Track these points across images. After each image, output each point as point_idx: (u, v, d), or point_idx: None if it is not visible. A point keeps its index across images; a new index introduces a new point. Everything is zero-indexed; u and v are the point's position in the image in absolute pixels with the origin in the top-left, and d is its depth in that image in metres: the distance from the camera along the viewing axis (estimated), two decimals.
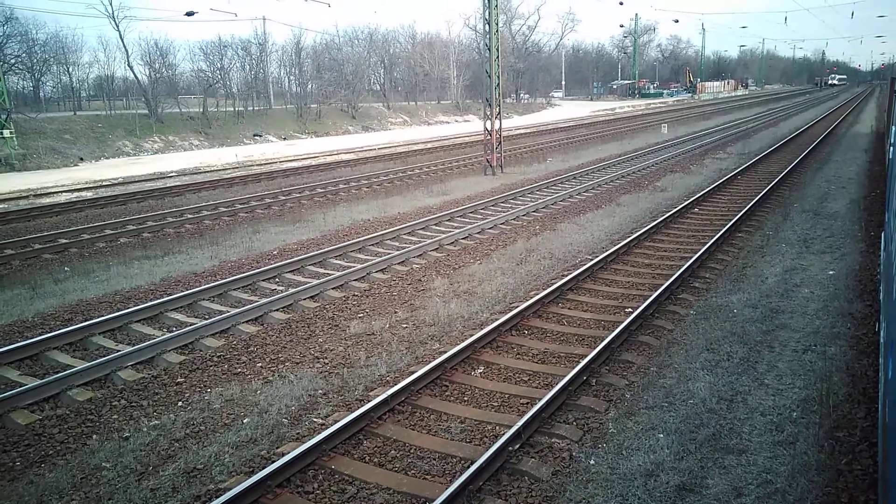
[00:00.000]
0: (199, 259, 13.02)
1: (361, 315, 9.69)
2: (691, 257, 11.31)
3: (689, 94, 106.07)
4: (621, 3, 62.17)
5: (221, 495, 5.21)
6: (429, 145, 37.24)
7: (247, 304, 9.94)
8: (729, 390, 6.91)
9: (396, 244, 13.76)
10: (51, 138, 34.72)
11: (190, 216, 17.37)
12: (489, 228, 15.02)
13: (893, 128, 10.52)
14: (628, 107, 79.12)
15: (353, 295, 10.60)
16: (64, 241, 14.66)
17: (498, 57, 23.59)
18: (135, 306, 9.80)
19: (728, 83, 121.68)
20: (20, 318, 9.82)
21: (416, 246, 13.09)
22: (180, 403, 7.16)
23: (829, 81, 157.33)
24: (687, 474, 5.50)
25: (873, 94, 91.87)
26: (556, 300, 9.84)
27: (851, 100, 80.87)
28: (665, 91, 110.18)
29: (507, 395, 7.06)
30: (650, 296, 9.38)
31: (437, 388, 7.24)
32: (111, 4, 44.21)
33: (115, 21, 43.89)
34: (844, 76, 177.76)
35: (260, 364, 8.11)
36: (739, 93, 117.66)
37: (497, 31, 23.53)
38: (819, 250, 12.33)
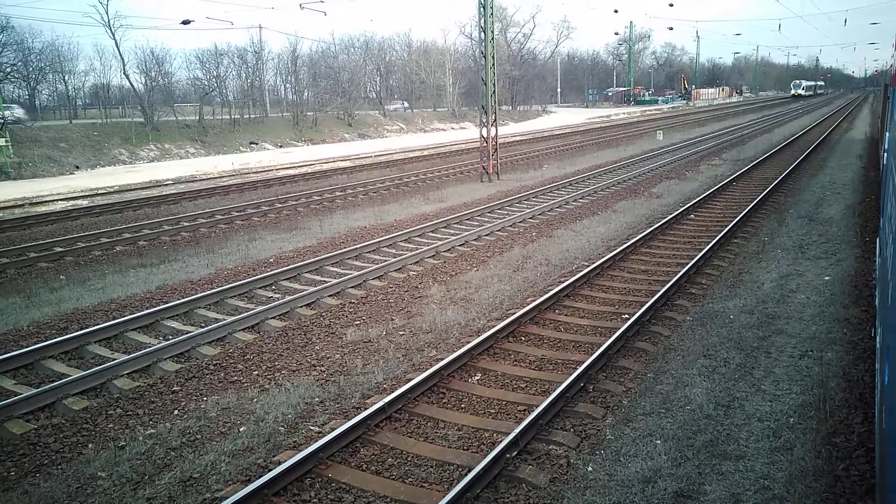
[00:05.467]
0: (196, 267, 12.99)
1: (358, 322, 9.68)
2: (687, 263, 11.33)
3: (684, 101, 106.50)
4: (616, 11, 62.78)
5: None
6: (425, 152, 37.30)
7: (243, 312, 9.91)
8: (726, 396, 6.91)
9: (393, 251, 13.76)
10: (46, 147, 34.68)
11: (186, 224, 17.35)
12: (486, 235, 15.03)
13: (887, 134, 10.57)
14: (623, 114, 79.42)
15: (350, 302, 10.58)
16: (59, 249, 14.61)
17: (493, 64, 23.67)
18: (131, 314, 9.77)
19: (723, 90, 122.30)
20: (15, 326, 9.78)
21: (413, 253, 13.09)
22: (176, 412, 7.13)
23: (793, 91, 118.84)
24: (685, 481, 5.49)
25: (867, 101, 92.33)
26: (553, 307, 9.84)
27: (845, 106, 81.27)
28: (660, 98, 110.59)
29: (504, 402, 7.04)
30: (647, 302, 9.39)
31: (434, 396, 7.22)
32: (107, 13, 43.98)
33: (111, 30, 43.99)
34: (821, 82, 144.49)
35: (256, 372, 8.08)
36: (734, 99, 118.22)
37: (492, 38, 23.62)
38: (815, 256, 12.36)
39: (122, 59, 45.96)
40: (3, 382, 7.84)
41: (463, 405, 7.05)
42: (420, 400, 7.07)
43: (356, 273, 11.73)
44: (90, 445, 6.49)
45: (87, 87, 56.64)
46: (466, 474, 5.46)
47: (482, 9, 23.02)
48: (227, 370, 8.15)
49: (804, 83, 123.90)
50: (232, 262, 13.24)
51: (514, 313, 9.25)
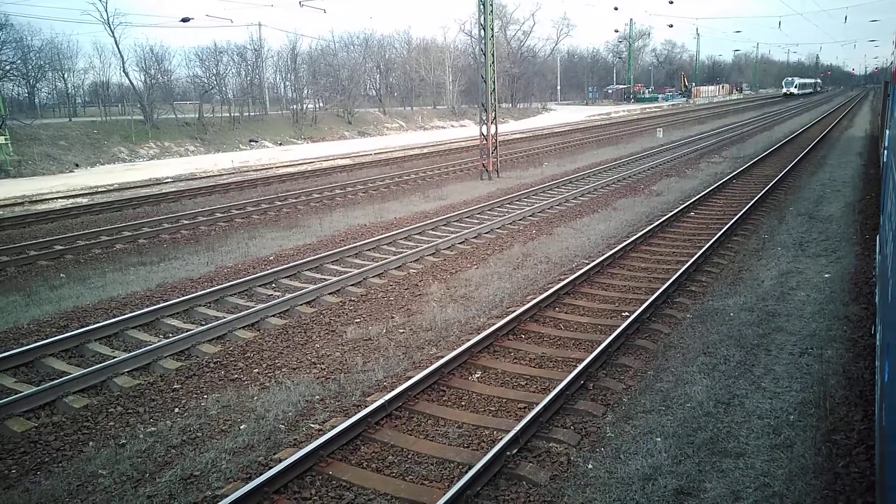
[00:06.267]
0: (196, 265, 12.99)
1: (358, 320, 9.68)
2: (687, 261, 11.33)
3: (684, 99, 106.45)
4: (616, 9, 62.69)
5: (219, 502, 5.19)
6: (425, 150, 37.27)
7: (243, 310, 9.91)
8: (726, 394, 6.91)
9: (393, 249, 13.75)
10: (46, 145, 34.66)
11: (186, 222, 17.34)
12: (486, 233, 15.02)
13: (888, 131, 10.57)
14: (623, 111, 79.35)
15: (350, 300, 10.58)
16: (59, 247, 14.61)
17: (493, 62, 23.64)
18: (131, 312, 9.77)
19: (723, 87, 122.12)
20: (15, 324, 9.78)
21: (413, 251, 13.09)
22: (177, 410, 7.14)
23: (785, 89, 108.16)
24: (685, 478, 5.50)
25: (867, 98, 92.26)
26: (553, 304, 9.84)
27: (845, 104, 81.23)
28: (660, 95, 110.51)
29: (504, 400, 7.05)
30: (647, 300, 9.39)
31: (434, 393, 7.23)
32: (106, 11, 43.96)
33: (110, 27, 43.98)
34: (816, 80, 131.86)
35: (256, 370, 8.08)
36: (734, 97, 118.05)
37: (492, 36, 23.59)
38: (815, 253, 12.36)
39: (122, 56, 46.01)
40: (3, 380, 7.84)
41: (463, 403, 7.06)
42: (420, 397, 7.08)
43: (356, 271, 11.73)
44: (91, 443, 6.49)
45: (87, 84, 56.65)
46: (467, 472, 5.46)
47: (482, 6, 22.99)
48: (227, 368, 8.15)
49: (797, 80, 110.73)
50: (232, 260, 13.24)
51: (515, 311, 9.25)
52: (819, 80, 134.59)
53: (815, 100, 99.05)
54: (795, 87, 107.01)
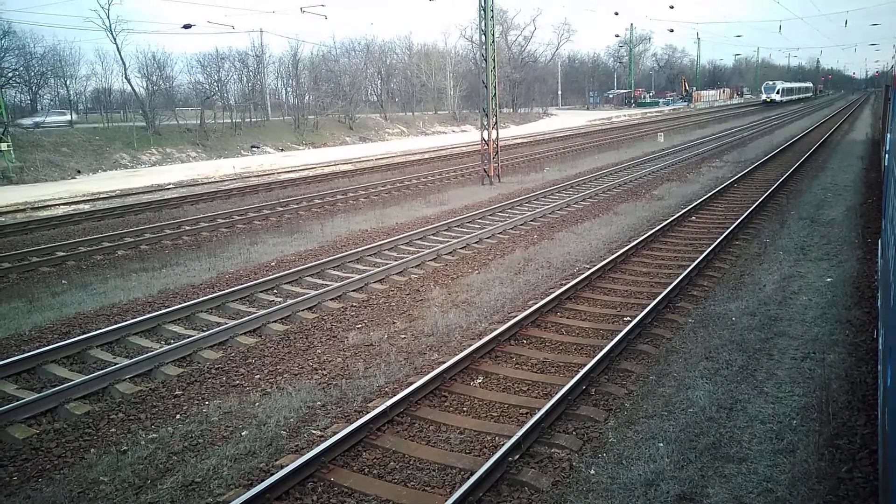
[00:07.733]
0: (197, 271, 13.00)
1: (360, 326, 9.68)
2: (689, 265, 11.32)
3: (685, 103, 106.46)
4: (616, 14, 63.08)
5: None
6: (426, 156, 37.33)
7: (245, 316, 9.91)
8: (728, 398, 6.90)
9: (394, 254, 13.76)
10: (48, 151, 34.72)
11: (188, 228, 17.36)
12: (487, 238, 15.03)
13: (889, 135, 10.58)
14: (624, 116, 79.41)
15: (352, 306, 10.58)
16: (61, 253, 14.63)
17: (494, 67, 23.69)
18: (132, 319, 9.77)
19: (723, 92, 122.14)
20: (17, 331, 9.79)
21: (414, 256, 13.09)
22: (178, 416, 7.13)
23: (764, 96, 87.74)
24: (687, 483, 5.48)
25: (868, 102, 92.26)
26: (555, 309, 9.83)
27: (846, 108, 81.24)
28: (661, 100, 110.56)
29: (506, 405, 7.04)
30: (648, 304, 9.37)
31: (435, 399, 7.22)
32: (108, 18, 44.10)
33: (112, 34, 44.06)
34: (810, 84, 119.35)
35: (258, 376, 8.08)
36: (735, 101, 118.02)
37: (493, 41, 23.65)
38: (816, 258, 12.35)
39: (124, 63, 46.09)
40: (5, 387, 7.85)
41: (465, 408, 7.05)
42: (422, 403, 7.07)
43: (357, 276, 11.73)
44: (92, 450, 6.49)
45: (89, 91, 56.90)
46: (469, 478, 5.46)
47: (483, 12, 23.05)
48: (228, 374, 8.15)
49: (779, 85, 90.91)
50: (233, 266, 13.25)
51: (516, 316, 9.25)
52: (811, 84, 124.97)
53: (815, 104, 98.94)
54: (777, 93, 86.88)
